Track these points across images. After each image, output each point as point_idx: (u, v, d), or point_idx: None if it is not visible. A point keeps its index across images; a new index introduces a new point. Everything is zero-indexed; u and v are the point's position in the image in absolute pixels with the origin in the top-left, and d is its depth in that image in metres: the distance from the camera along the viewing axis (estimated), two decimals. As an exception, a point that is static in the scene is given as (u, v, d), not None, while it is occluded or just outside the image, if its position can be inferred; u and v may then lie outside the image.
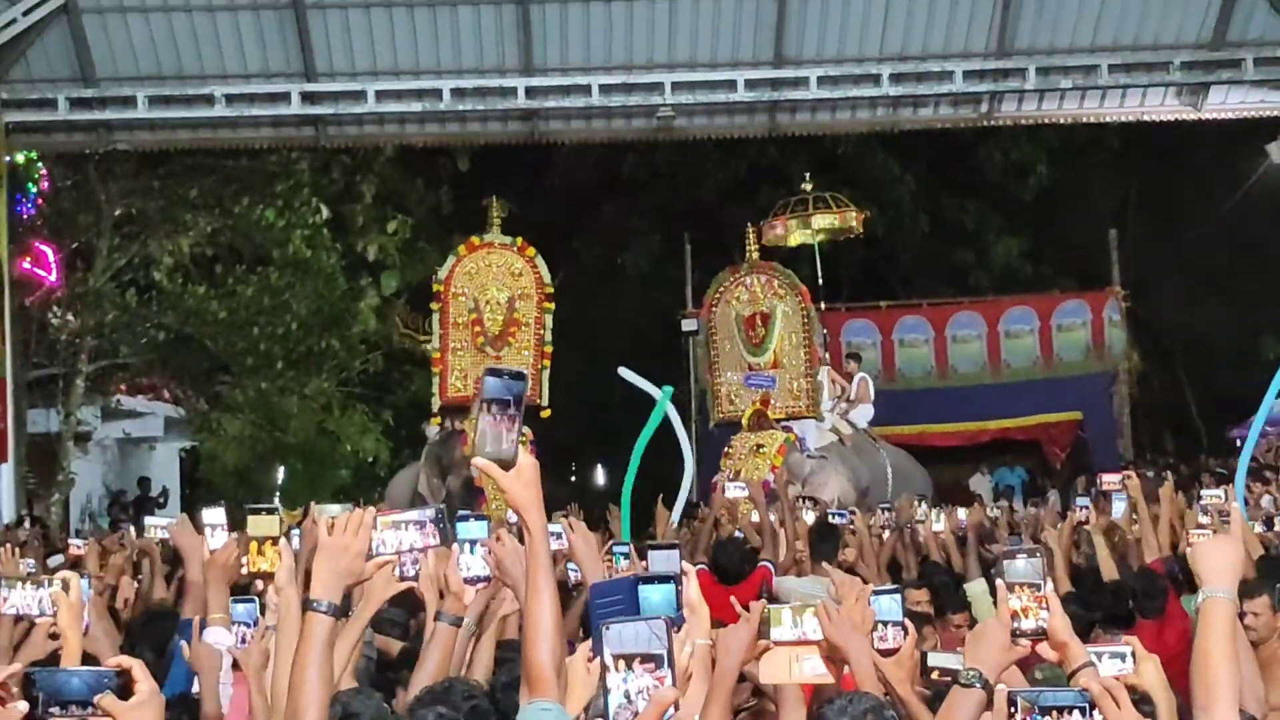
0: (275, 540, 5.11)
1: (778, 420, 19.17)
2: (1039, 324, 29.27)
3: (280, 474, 25.44)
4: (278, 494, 23.66)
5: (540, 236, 19.93)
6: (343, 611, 3.84)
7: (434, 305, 18.82)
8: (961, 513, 12.42)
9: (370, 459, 26.64)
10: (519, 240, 19.02)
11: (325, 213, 24.90)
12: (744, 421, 19.08)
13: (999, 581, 3.75)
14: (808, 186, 21.40)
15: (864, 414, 20.56)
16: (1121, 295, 29.38)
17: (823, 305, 21.40)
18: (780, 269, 20.23)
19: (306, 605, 3.67)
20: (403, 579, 4.66)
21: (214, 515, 5.72)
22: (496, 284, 18.54)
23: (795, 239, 22.09)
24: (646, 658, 2.93)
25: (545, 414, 17.64)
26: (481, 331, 18.41)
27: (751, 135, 21.62)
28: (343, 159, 25.48)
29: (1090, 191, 32.80)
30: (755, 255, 20.48)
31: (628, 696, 2.94)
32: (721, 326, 20.14)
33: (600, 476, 36.75)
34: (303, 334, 24.07)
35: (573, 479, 37.10)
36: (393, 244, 26.19)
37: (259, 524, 5.24)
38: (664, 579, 3.55)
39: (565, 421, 20.43)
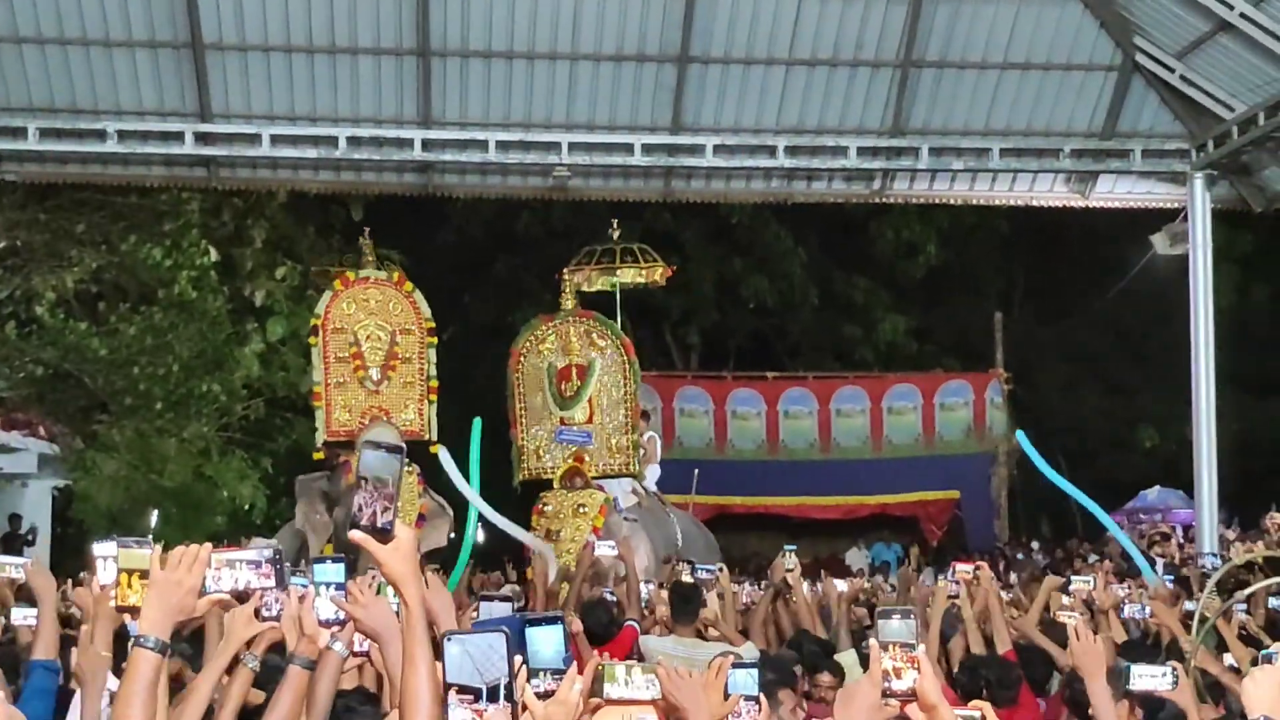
0: (146, 574, 5.03)
1: (593, 479, 18.12)
2: (922, 402, 29.61)
3: (154, 517, 25.03)
4: (150, 537, 23.25)
5: (431, 291, 19.73)
6: (183, 649, 3.78)
7: (312, 340, 18.60)
8: (841, 584, 12.48)
9: (247, 506, 26.27)
10: (396, 274, 18.89)
11: (214, 255, 24.63)
12: (556, 479, 18.02)
13: (871, 640, 3.74)
14: (615, 235, 20.61)
15: (653, 474, 19.55)
16: (1004, 378, 29.79)
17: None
18: (601, 318, 18.93)
19: (134, 641, 3.61)
20: (263, 619, 4.60)
21: (105, 549, 5.63)
22: (375, 319, 18.32)
23: (597, 286, 20.93)
24: (464, 689, 2.86)
25: (434, 449, 17.49)
26: (362, 366, 18.20)
27: (647, 199, 21.74)
28: (235, 202, 25.26)
29: (978, 274, 33.32)
30: (571, 303, 19.16)
31: None
32: (530, 378, 18.79)
33: (482, 532, 36.50)
34: (184, 376, 23.75)
35: (451, 535, 36.80)
36: (281, 290, 25.95)
37: (131, 557, 5.15)
38: (552, 620, 3.52)
39: (447, 478, 20.28)
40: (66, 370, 23.54)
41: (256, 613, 4.57)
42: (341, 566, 5.13)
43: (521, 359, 18.84)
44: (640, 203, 22.85)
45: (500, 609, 4.83)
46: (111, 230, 23.74)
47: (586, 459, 18.22)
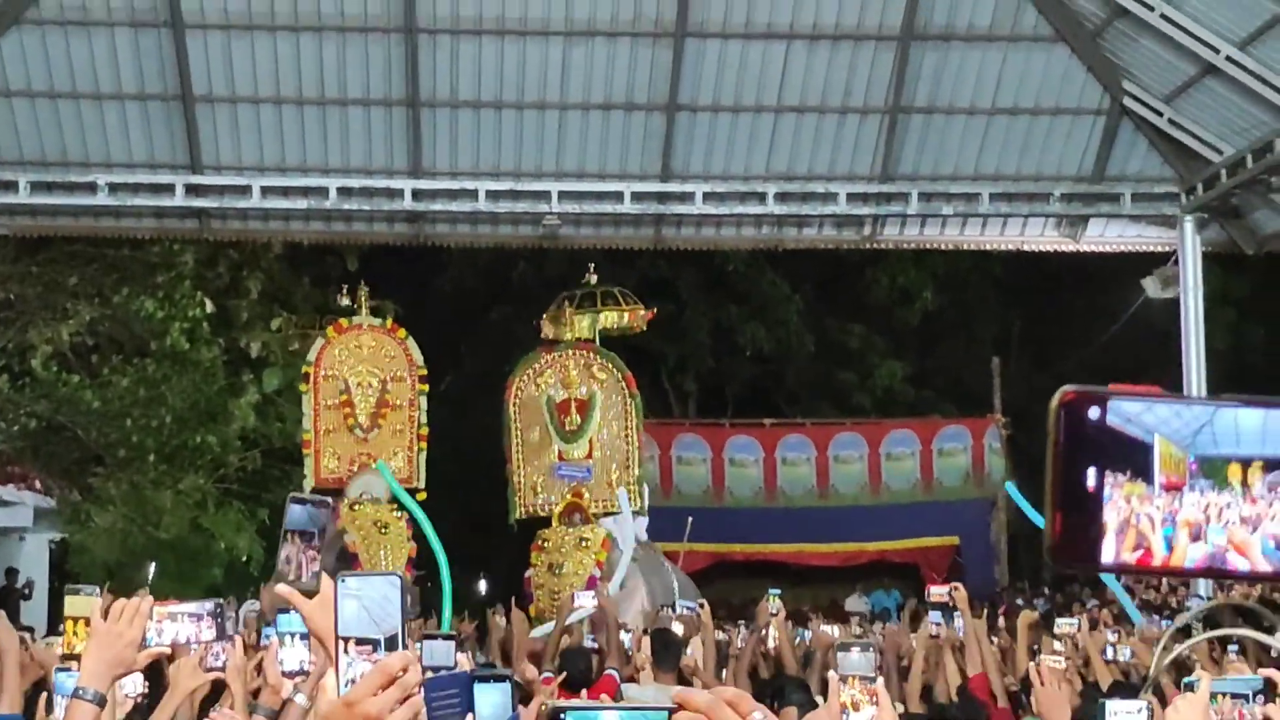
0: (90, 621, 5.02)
1: (594, 515, 17.90)
2: (920, 448, 29.51)
3: (151, 570, 24.97)
4: (148, 589, 23.19)
5: (427, 340, 19.76)
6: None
7: (303, 388, 18.60)
8: (832, 630, 12.45)
9: (244, 558, 26.22)
10: (389, 321, 18.87)
11: (209, 306, 24.65)
12: (555, 516, 17.87)
13: (831, 673, 3.72)
14: (593, 279, 20.38)
15: (641, 524, 18.96)
16: (1002, 423, 29.70)
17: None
18: (602, 351, 18.81)
19: (74, 693, 3.59)
20: (209, 670, 4.58)
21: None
22: (367, 366, 18.31)
23: (574, 332, 20.54)
24: (362, 641, 2.75)
25: (421, 496, 17.46)
26: (352, 414, 18.19)
27: (637, 247, 21.76)
28: (230, 254, 25.30)
29: (974, 319, 33.29)
30: (570, 335, 18.97)
31: None
32: (528, 412, 18.60)
33: (482, 585, 36.40)
34: (177, 428, 23.74)
35: (428, 583, 36.70)
36: (276, 341, 25.95)
37: (76, 604, 5.14)
38: (499, 678, 3.51)
39: (441, 529, 20.21)
40: (60, 423, 23.54)
41: (201, 662, 4.55)
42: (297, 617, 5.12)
43: (519, 392, 18.73)
44: (635, 250, 22.85)
45: (442, 649, 4.81)
46: (104, 283, 23.78)
47: (586, 495, 18.11)
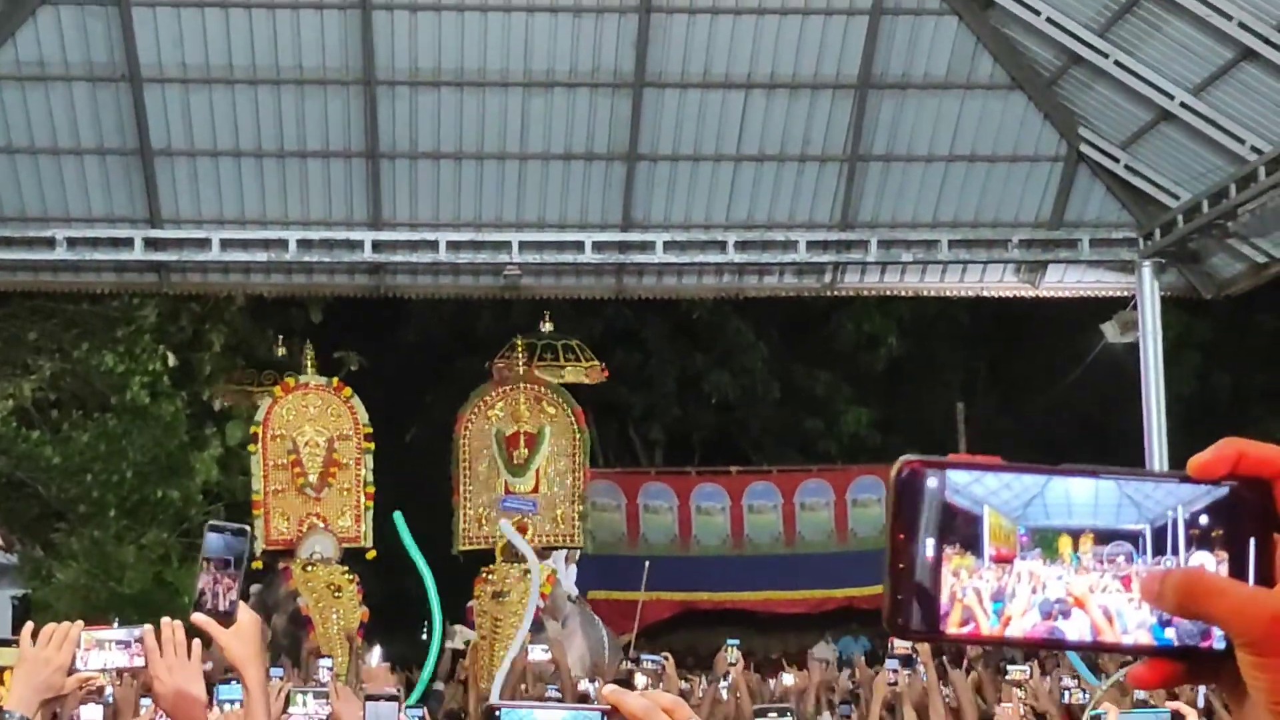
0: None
1: (538, 549, 17.76)
2: (886, 493, 29.51)
3: (115, 625, 24.79)
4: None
5: (393, 391, 19.81)
6: None
7: (252, 448, 18.60)
8: (790, 678, 12.43)
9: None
10: (335, 380, 18.87)
11: (171, 360, 24.55)
12: (498, 550, 17.88)
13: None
14: (548, 327, 20.41)
15: (570, 575, 19.30)
16: (967, 467, 29.74)
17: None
18: (554, 386, 18.97)
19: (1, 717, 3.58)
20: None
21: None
22: (314, 425, 18.30)
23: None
24: None
25: (370, 555, 17.43)
26: (301, 473, 18.18)
27: (599, 296, 21.77)
28: (192, 307, 25.22)
29: (939, 364, 33.37)
30: (522, 369, 19.11)
31: None
32: (477, 445, 18.72)
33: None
34: (138, 482, 23.63)
35: (424, 635, 36.55)
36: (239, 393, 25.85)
37: (4, 655, 5.13)
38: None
39: (403, 581, 20.15)
40: (20, 479, 23.41)
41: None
42: (239, 687, 5.08)
43: (468, 425, 18.75)
44: (601, 300, 22.86)
45: (387, 710, 4.78)
46: (64, 338, 23.69)
47: (530, 529, 18.07)
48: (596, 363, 20.57)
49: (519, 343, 20.18)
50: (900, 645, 10.10)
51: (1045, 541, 1.27)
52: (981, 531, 1.27)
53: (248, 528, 3.70)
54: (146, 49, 18.22)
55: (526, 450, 18.49)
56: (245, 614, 3.45)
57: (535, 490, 18.54)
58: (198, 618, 3.40)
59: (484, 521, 18.50)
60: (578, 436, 18.67)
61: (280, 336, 19.33)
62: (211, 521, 3.88)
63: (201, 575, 3.43)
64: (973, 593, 1.27)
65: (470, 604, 18.33)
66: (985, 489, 1.28)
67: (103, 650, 3.82)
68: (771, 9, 18.40)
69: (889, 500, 1.32)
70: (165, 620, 3.63)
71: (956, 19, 18.62)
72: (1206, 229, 18.48)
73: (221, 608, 3.40)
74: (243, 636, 3.44)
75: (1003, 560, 1.27)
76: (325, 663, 12.14)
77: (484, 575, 17.98)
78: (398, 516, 17.08)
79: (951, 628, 1.28)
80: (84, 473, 23.21)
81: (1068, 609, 1.27)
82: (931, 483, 1.27)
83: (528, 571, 17.35)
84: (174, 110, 18.68)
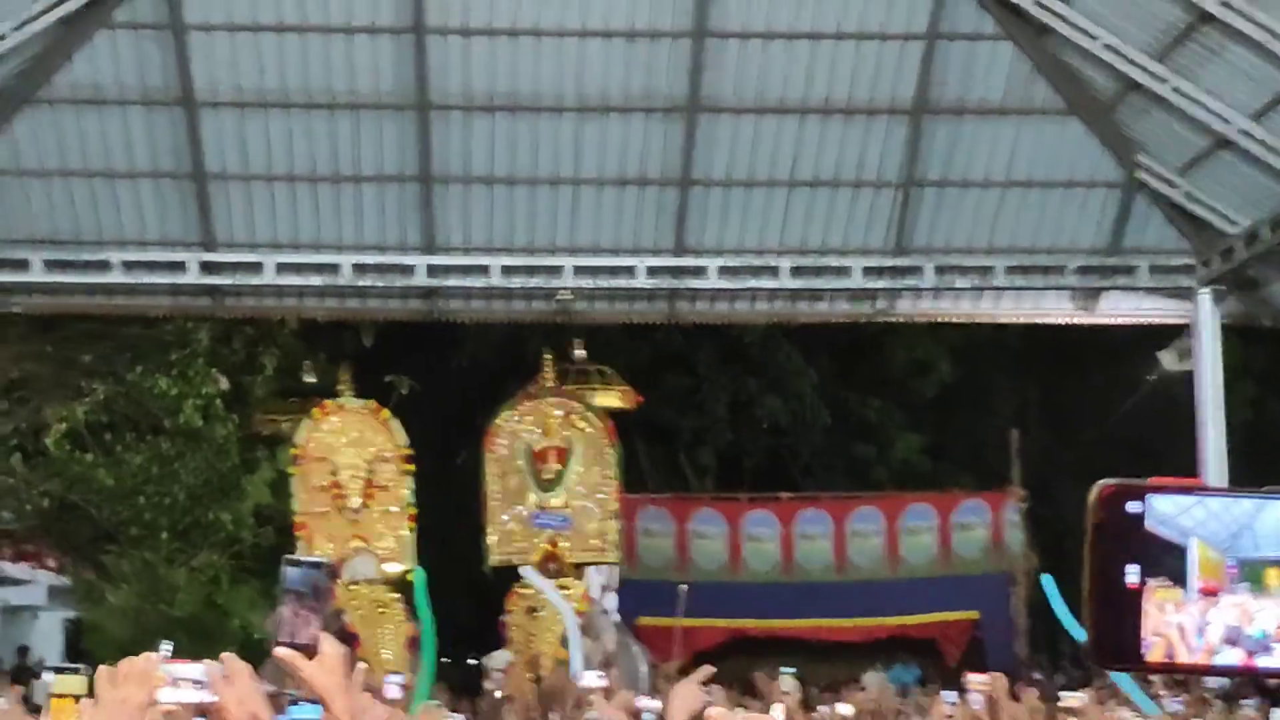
0: (79, 699, 4.93)
1: (571, 565, 17.90)
2: (938, 521, 29.32)
3: (165, 648, 24.85)
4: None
5: (445, 414, 19.81)
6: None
7: (292, 470, 18.63)
8: (845, 708, 12.28)
9: (259, 635, 26.11)
10: (372, 402, 18.87)
11: (224, 383, 24.64)
12: (532, 565, 17.77)
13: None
14: (581, 354, 20.32)
15: (612, 602, 19.27)
16: (1020, 496, 29.52)
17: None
18: (583, 400, 18.92)
19: None
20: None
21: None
22: (353, 448, 18.30)
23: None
24: None
25: (409, 576, 17.44)
26: (341, 495, 18.18)
27: (651, 322, 21.72)
28: (245, 330, 25.30)
29: (992, 391, 33.15)
30: (550, 383, 19.10)
31: None
32: (506, 460, 18.68)
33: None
34: (190, 504, 23.70)
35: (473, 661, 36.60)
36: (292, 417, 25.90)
37: (65, 683, 5.06)
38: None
39: (464, 606, 20.13)
40: (73, 501, 23.51)
41: None
42: (319, 708, 5.01)
43: (497, 439, 18.67)
44: (651, 325, 22.81)
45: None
46: (118, 361, 23.79)
47: (563, 544, 18.02)
48: (629, 387, 20.42)
49: (548, 357, 20.11)
50: (977, 682, 9.91)
51: (1254, 575, 1.23)
52: (1188, 565, 1.23)
53: (326, 559, 3.66)
54: (201, 73, 18.33)
55: (557, 464, 18.40)
56: (329, 645, 3.40)
57: (566, 505, 18.55)
58: (280, 651, 3.34)
59: (515, 538, 18.48)
60: (608, 452, 18.58)
61: (310, 365, 19.32)
62: (287, 556, 3.82)
63: (282, 608, 3.38)
64: (1176, 626, 1.23)
65: (502, 618, 18.25)
66: (1193, 520, 1.24)
67: (175, 689, 3.74)
68: (826, 33, 18.34)
69: (1088, 525, 1.28)
70: (226, 655, 3.56)
71: (1011, 44, 18.52)
72: (1265, 256, 18.30)
73: (303, 639, 3.35)
74: (327, 667, 3.39)
75: (1209, 593, 1.23)
76: (396, 678, 12.07)
77: (518, 590, 17.91)
78: (419, 574, 17.04)
79: (1153, 657, 1.24)
80: (136, 495, 23.30)
81: (1270, 643, 1.23)
82: (1132, 508, 1.23)
83: (565, 589, 17.32)
84: (229, 134, 18.78)
